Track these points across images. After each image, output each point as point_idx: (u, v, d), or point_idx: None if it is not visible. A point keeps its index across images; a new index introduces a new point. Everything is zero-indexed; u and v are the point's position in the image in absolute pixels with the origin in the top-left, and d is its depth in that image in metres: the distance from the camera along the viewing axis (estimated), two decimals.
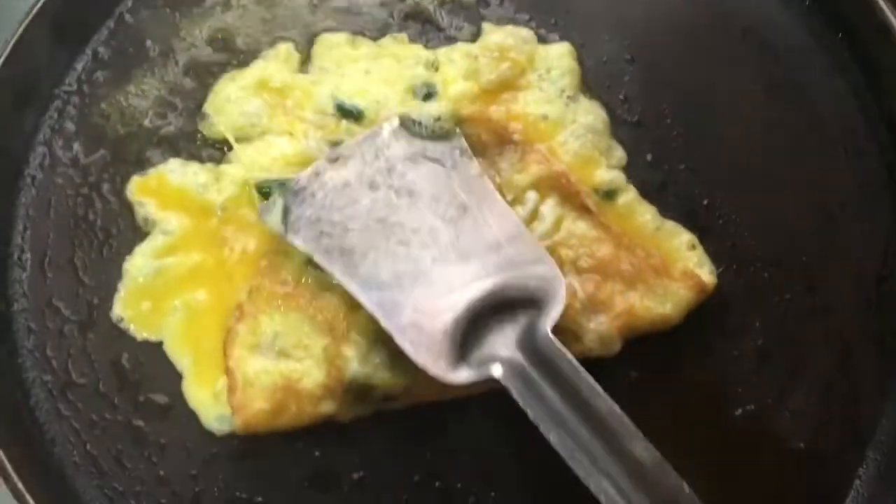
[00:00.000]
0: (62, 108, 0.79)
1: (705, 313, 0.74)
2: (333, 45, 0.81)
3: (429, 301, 0.66)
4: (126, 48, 0.81)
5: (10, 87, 0.76)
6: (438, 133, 0.74)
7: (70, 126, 0.79)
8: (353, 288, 0.67)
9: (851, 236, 0.76)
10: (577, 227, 0.73)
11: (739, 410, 0.72)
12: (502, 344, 0.65)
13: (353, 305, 0.69)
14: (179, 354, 0.71)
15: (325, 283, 0.70)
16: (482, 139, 0.75)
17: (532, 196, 0.74)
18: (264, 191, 0.73)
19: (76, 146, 0.78)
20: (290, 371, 0.68)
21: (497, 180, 0.74)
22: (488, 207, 0.70)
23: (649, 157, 0.78)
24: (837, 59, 0.82)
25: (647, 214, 0.76)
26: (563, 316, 0.68)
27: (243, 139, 0.77)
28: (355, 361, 0.68)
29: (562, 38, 0.82)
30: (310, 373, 0.68)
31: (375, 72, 0.80)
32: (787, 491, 0.71)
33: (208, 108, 0.79)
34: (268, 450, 0.69)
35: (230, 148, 0.77)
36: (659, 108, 0.80)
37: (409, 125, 0.74)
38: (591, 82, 0.80)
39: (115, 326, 0.72)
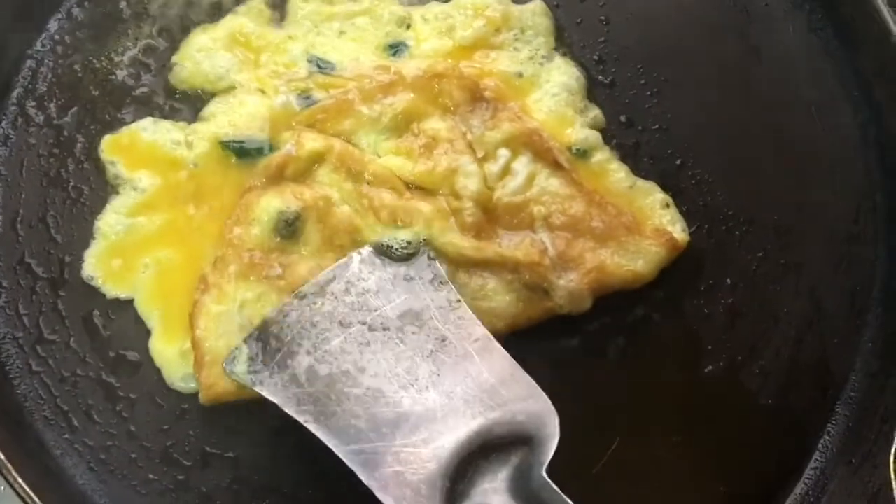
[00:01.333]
0: (35, 68, 0.79)
1: (677, 272, 0.74)
2: (309, 0, 0.81)
3: (410, 449, 0.61)
4: (99, 9, 0.81)
5: None
6: (409, 255, 0.70)
7: (43, 86, 0.78)
8: (327, 440, 0.62)
9: (823, 195, 0.77)
10: (550, 183, 0.73)
11: (709, 367, 0.72)
12: (493, 490, 0.60)
13: (319, 271, 0.68)
14: (148, 312, 0.71)
15: (292, 251, 0.70)
16: (453, 95, 0.74)
17: (504, 153, 0.73)
18: (234, 148, 0.73)
19: (49, 106, 0.78)
20: None
21: (468, 137, 0.74)
22: (467, 339, 0.65)
23: (623, 118, 0.79)
24: (811, 20, 0.82)
25: (620, 173, 0.76)
26: (533, 272, 0.69)
27: (213, 92, 0.77)
28: None
29: None
30: None
31: (350, 31, 0.80)
32: (757, 447, 0.71)
33: (178, 58, 0.79)
34: (238, 406, 0.69)
35: (201, 107, 0.77)
36: (633, 70, 0.80)
37: (380, 249, 0.70)
38: (566, 43, 0.80)
39: (86, 284, 0.72)
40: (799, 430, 0.72)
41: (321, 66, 0.77)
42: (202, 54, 0.78)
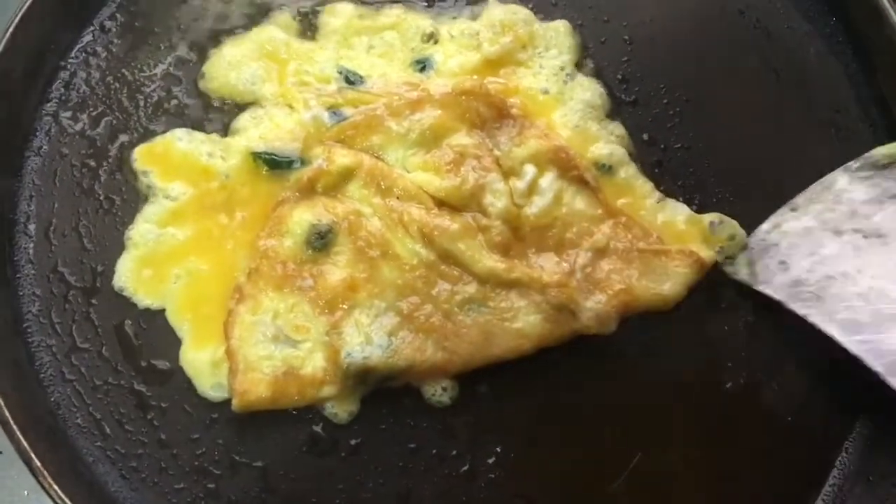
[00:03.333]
0: (69, 80, 0.80)
1: (698, 290, 0.75)
2: (339, 14, 0.82)
3: None
4: (132, 22, 0.82)
5: (18, 58, 0.77)
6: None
7: (76, 97, 0.80)
8: (831, 331, 0.69)
9: None
10: (577, 202, 0.74)
11: (729, 384, 0.73)
12: None
13: (352, 285, 0.70)
14: (179, 322, 0.72)
15: (324, 263, 0.71)
16: (480, 112, 0.76)
17: (530, 169, 0.75)
18: (265, 159, 0.74)
19: (82, 117, 0.79)
20: (292, 357, 0.69)
21: (495, 153, 0.75)
22: None
23: (645, 136, 0.80)
24: (831, 42, 0.83)
25: (646, 188, 0.77)
26: (560, 293, 0.70)
27: (241, 103, 0.79)
28: (358, 344, 0.69)
29: (562, 17, 0.83)
30: (311, 358, 0.70)
31: (378, 46, 0.81)
32: (776, 463, 0.72)
33: (207, 69, 0.80)
34: (267, 416, 0.71)
35: (229, 120, 0.78)
36: (656, 89, 0.81)
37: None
38: (590, 62, 0.82)
39: (118, 294, 0.73)
40: (817, 447, 0.73)
41: (350, 79, 0.78)
42: (231, 66, 0.80)
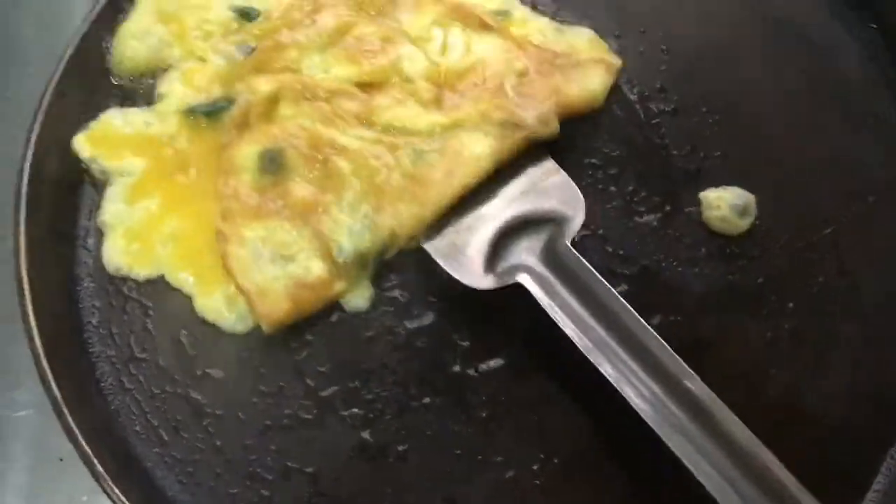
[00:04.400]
0: None
1: (742, 298, 0.76)
2: None
3: (465, 230, 0.75)
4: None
5: None
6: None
7: None
8: None
9: (882, 220, 0.79)
10: (487, 46, 0.81)
11: (773, 391, 0.74)
12: (526, 251, 0.73)
13: (317, 190, 0.75)
14: (182, 280, 0.76)
15: (285, 182, 0.76)
16: (376, 2, 0.82)
17: (437, 32, 0.81)
18: (200, 112, 0.79)
19: None
20: (295, 271, 0.73)
21: (402, 30, 0.81)
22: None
23: (687, 146, 0.81)
24: (869, 49, 0.84)
25: (543, 20, 0.84)
26: (500, 111, 0.76)
27: (154, 72, 0.83)
28: (344, 239, 0.73)
29: (597, 31, 0.85)
30: (310, 265, 0.74)
31: None
32: (820, 469, 0.72)
33: (115, 49, 0.83)
34: (318, 423, 0.73)
35: (149, 91, 0.82)
36: (695, 98, 0.82)
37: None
38: (629, 73, 0.83)
39: (175, 303, 0.76)
40: (862, 452, 0.73)
41: (247, 13, 0.83)
42: (135, 39, 0.83)
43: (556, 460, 0.72)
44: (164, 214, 0.77)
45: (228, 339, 0.75)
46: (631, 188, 0.80)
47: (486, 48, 0.80)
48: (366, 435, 0.73)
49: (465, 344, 0.75)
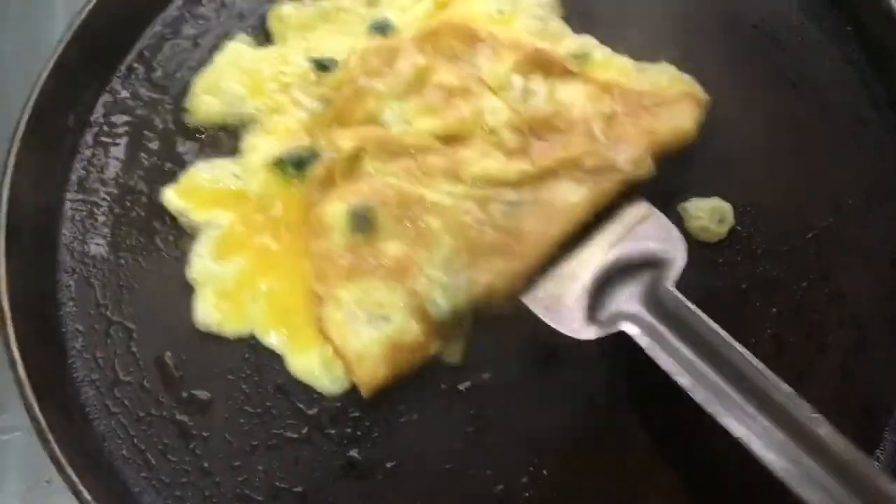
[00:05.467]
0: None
1: (727, 304, 0.76)
2: (284, 16, 0.87)
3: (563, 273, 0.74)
4: None
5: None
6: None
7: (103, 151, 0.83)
8: None
9: (864, 223, 0.79)
10: (570, 92, 0.79)
11: None
12: (627, 298, 0.71)
13: (410, 248, 0.73)
14: (273, 339, 0.75)
15: (377, 241, 0.74)
16: (452, 45, 0.80)
17: (517, 80, 0.79)
18: (287, 162, 0.78)
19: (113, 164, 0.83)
20: (391, 332, 0.72)
21: (480, 77, 0.79)
22: None
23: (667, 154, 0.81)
24: (846, 51, 0.84)
25: (624, 59, 0.82)
26: (592, 157, 0.75)
27: (234, 126, 0.82)
28: (439, 297, 0.72)
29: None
30: (406, 326, 0.72)
31: (333, 25, 0.86)
32: None
33: (189, 104, 0.83)
34: (306, 441, 0.73)
35: (232, 148, 0.82)
36: None
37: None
38: None
39: (205, 333, 0.76)
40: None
41: (324, 64, 0.82)
42: (209, 92, 0.83)
43: (545, 472, 0.72)
44: (254, 272, 0.76)
45: (213, 359, 0.75)
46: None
47: (570, 93, 0.79)
48: (353, 453, 0.73)
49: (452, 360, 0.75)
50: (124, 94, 0.85)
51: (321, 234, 0.75)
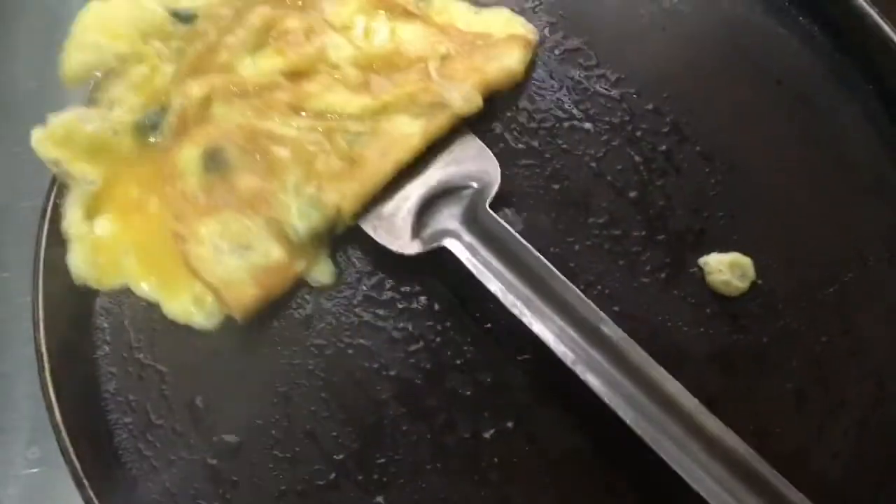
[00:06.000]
0: None
1: (747, 357, 0.77)
2: None
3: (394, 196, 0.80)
4: None
5: None
6: None
7: None
8: None
9: (885, 278, 0.80)
10: (410, 32, 0.85)
11: (779, 449, 0.75)
12: (448, 217, 0.79)
13: (261, 180, 0.78)
14: (148, 288, 0.79)
15: (229, 177, 0.78)
16: None
17: (360, 19, 0.85)
18: (148, 125, 0.82)
19: None
20: (255, 259, 0.77)
21: (325, 19, 0.85)
22: None
23: (690, 207, 0.82)
24: (867, 108, 0.85)
25: (461, 5, 0.89)
26: (426, 93, 0.80)
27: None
28: (295, 220, 0.77)
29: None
30: (268, 251, 0.77)
31: None
32: None
33: (65, 64, 0.84)
34: (333, 487, 0.74)
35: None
36: (696, 158, 0.84)
37: None
38: (628, 132, 0.85)
39: (189, 367, 0.78)
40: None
41: (182, 17, 0.86)
42: (80, 52, 0.84)
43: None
44: (124, 226, 0.80)
45: (243, 404, 0.77)
46: (635, 249, 0.81)
47: (410, 33, 0.85)
48: (380, 499, 0.74)
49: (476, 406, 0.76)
50: None
51: (176, 178, 0.79)
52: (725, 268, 0.79)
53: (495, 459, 0.75)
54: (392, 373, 0.77)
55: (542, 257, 0.74)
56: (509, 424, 0.76)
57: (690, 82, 0.86)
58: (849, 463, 0.75)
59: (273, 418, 0.76)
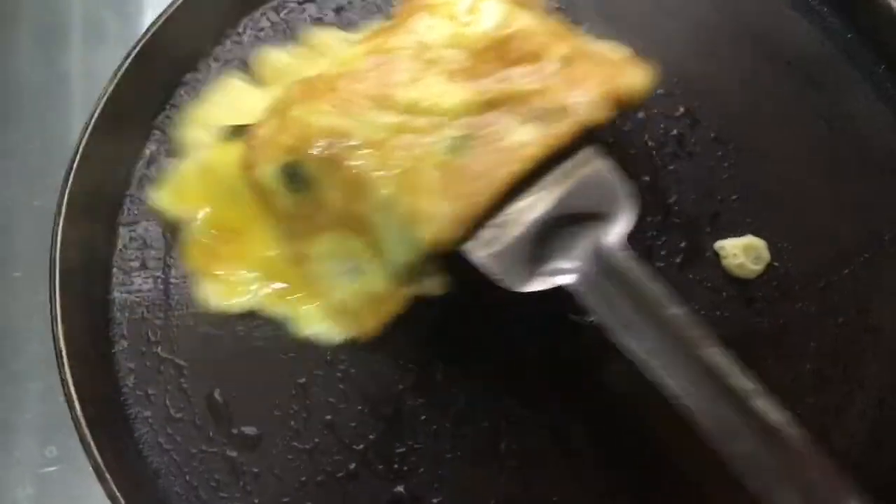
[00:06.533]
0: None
1: (764, 340, 0.78)
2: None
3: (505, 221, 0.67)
4: None
5: None
6: None
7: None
8: None
9: None
10: (528, 20, 0.71)
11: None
12: (573, 256, 0.67)
13: (347, 199, 0.68)
14: (279, 310, 0.78)
15: (315, 195, 0.70)
16: None
17: None
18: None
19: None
20: (365, 283, 0.72)
21: None
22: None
23: (702, 190, 0.82)
24: (880, 88, 0.85)
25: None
26: (544, 97, 0.67)
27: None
28: (387, 250, 0.68)
29: None
30: (377, 276, 0.71)
31: None
32: None
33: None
34: (353, 477, 0.74)
35: None
36: (708, 142, 0.84)
37: None
38: (640, 118, 0.85)
39: (206, 363, 0.78)
40: (884, 490, 0.74)
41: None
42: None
43: None
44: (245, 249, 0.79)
45: (260, 396, 0.77)
46: (650, 234, 0.81)
47: (527, 23, 0.71)
48: (400, 488, 0.74)
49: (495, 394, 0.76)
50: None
51: (268, 197, 0.73)
52: (740, 251, 0.79)
53: (514, 446, 0.75)
54: (410, 363, 0.77)
55: (687, 313, 0.65)
56: (527, 412, 0.76)
57: (701, 66, 0.86)
58: (866, 444, 0.76)
59: (292, 409, 0.76)
